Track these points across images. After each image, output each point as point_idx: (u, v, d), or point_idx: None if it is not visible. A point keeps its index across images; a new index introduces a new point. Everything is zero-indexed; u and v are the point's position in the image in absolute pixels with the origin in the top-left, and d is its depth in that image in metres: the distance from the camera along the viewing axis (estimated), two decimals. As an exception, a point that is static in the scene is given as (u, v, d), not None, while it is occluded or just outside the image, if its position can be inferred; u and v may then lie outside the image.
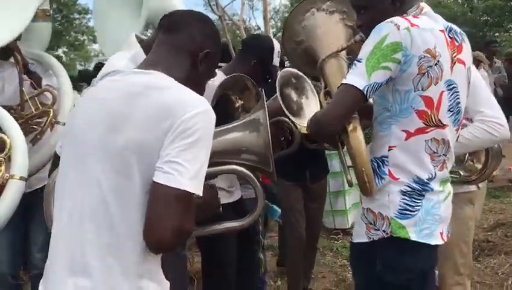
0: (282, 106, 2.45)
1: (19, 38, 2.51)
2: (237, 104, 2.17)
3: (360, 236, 1.71)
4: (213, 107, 1.33)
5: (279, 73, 2.60)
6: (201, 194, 1.23)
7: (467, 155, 2.30)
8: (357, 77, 1.54)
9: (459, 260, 2.43)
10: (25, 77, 2.48)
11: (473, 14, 22.29)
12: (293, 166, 3.01)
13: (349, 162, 1.78)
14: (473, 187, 2.40)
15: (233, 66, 2.56)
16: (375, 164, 1.66)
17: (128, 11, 2.57)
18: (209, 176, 1.61)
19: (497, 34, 19.89)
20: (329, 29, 1.85)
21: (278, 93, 2.47)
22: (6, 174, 1.99)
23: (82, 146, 1.29)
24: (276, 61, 2.55)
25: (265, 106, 1.55)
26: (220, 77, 2.50)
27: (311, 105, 2.71)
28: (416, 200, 1.61)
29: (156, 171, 1.20)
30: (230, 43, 4.77)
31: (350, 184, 1.83)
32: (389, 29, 1.54)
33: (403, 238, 1.61)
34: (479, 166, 2.34)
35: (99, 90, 1.38)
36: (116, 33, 2.48)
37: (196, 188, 1.21)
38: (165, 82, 1.31)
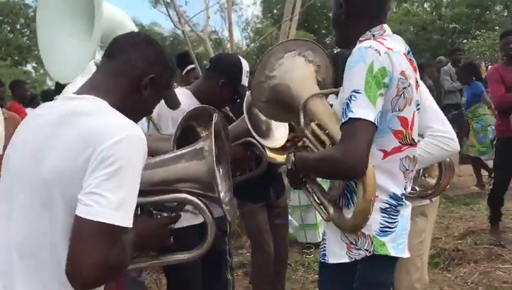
0: (250, 127, 2.42)
1: None
2: (202, 135, 2.12)
3: (339, 257, 1.67)
4: (178, 138, 1.28)
5: (248, 93, 2.56)
6: (129, 226, 1.17)
7: (421, 171, 2.31)
8: (364, 109, 1.49)
9: (413, 275, 2.42)
10: None
11: (441, 21, 22.80)
12: (258, 187, 2.97)
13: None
14: (425, 201, 2.42)
15: (200, 84, 2.52)
16: (353, 184, 1.62)
17: (75, 30, 2.50)
18: (157, 205, 1.57)
19: (465, 40, 20.35)
20: (306, 76, 1.83)
21: (245, 114, 2.43)
22: None
23: (12, 175, 1.27)
24: (244, 81, 2.51)
25: (213, 135, 1.52)
26: (184, 93, 2.45)
27: (281, 126, 2.68)
28: (394, 217, 1.64)
29: (78, 203, 1.14)
30: (193, 54, 4.74)
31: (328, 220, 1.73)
32: (373, 56, 1.52)
33: (383, 255, 1.63)
34: (432, 181, 2.37)
35: (34, 116, 1.34)
36: (64, 53, 2.40)
37: (121, 219, 1.14)
38: (94, 108, 1.26)
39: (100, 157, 1.15)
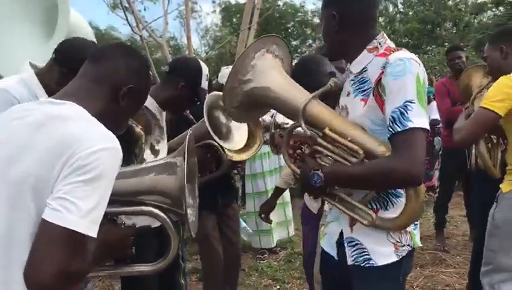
0: (210, 129, 2.45)
1: None
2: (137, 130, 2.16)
3: (388, 257, 1.68)
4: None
5: (208, 96, 2.59)
6: (94, 236, 1.16)
7: None
8: (421, 118, 1.52)
9: None
10: None
11: (395, 36, 23.53)
12: (205, 193, 2.98)
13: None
14: None
15: (160, 88, 2.52)
16: None
17: (28, 28, 2.47)
18: (123, 216, 1.57)
19: (416, 55, 21.06)
20: (281, 73, 1.76)
21: (205, 117, 2.46)
22: None
23: None
24: (204, 84, 2.53)
25: (186, 150, 1.54)
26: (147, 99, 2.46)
27: (241, 128, 2.72)
28: None
29: (46, 207, 1.13)
30: (151, 59, 4.74)
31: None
32: (416, 67, 1.54)
33: (415, 247, 1.73)
34: None
35: (11, 116, 1.29)
36: (14, 50, 2.38)
37: (87, 228, 1.14)
38: (73, 113, 1.25)
39: (76, 165, 1.14)
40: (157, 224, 2.39)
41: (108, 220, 1.43)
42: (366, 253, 1.69)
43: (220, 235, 3.23)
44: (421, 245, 1.81)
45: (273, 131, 2.39)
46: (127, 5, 5.06)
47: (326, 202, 1.95)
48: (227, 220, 3.31)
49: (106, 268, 1.54)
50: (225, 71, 3.44)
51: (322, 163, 1.67)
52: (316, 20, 22.13)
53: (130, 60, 1.43)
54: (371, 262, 1.68)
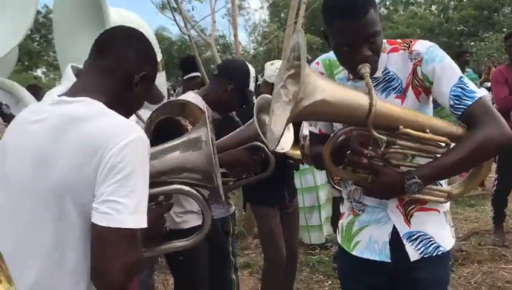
0: (259, 131, 2.48)
1: None
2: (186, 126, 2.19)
3: (451, 239, 1.72)
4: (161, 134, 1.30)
5: (257, 98, 2.64)
6: (145, 226, 1.19)
7: None
8: (477, 88, 1.59)
9: None
10: None
11: (448, 24, 22.71)
12: (272, 189, 3.03)
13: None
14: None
15: (209, 89, 2.57)
16: None
17: (88, 30, 2.58)
18: (154, 197, 1.59)
19: (472, 43, 20.28)
20: (327, 78, 1.67)
21: (254, 118, 2.50)
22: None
23: (11, 184, 1.25)
24: (251, 86, 2.57)
25: (208, 123, 1.55)
26: (194, 97, 2.50)
27: (286, 133, 2.75)
28: None
29: (93, 211, 1.15)
30: (199, 59, 4.80)
31: None
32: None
33: None
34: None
35: (27, 122, 1.29)
36: (78, 54, 2.48)
37: (139, 222, 1.17)
38: (92, 111, 1.24)
39: (109, 165, 1.15)
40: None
41: None
42: (433, 241, 1.66)
43: (283, 229, 3.22)
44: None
45: (302, 142, 2.39)
46: (175, 6, 5.15)
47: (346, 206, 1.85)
48: (290, 215, 3.31)
49: (146, 249, 1.54)
50: (270, 68, 3.43)
51: (402, 167, 1.58)
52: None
53: (137, 46, 1.39)
54: (440, 249, 1.66)
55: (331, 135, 1.60)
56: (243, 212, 4.99)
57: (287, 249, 3.24)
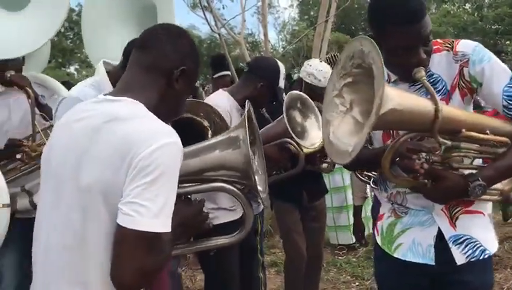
0: (288, 127, 2.49)
1: (23, 61, 2.56)
2: (205, 124, 2.21)
3: (495, 241, 1.70)
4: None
5: (287, 95, 2.64)
6: (168, 231, 1.19)
7: None
8: None
9: None
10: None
11: (483, 22, 22.17)
12: (290, 187, 3.01)
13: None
14: None
15: (239, 86, 2.59)
16: None
17: (124, 31, 2.62)
18: (196, 194, 1.62)
19: (508, 42, 19.74)
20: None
21: (284, 115, 2.51)
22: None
23: (55, 180, 1.28)
24: (281, 83, 2.58)
25: (246, 123, 1.56)
26: (223, 94, 2.55)
27: (314, 128, 2.74)
28: None
29: (118, 212, 1.17)
30: (229, 57, 4.82)
31: None
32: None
33: None
34: None
35: (72, 119, 1.33)
36: (112, 52, 2.52)
37: (161, 226, 1.17)
38: (130, 112, 1.25)
39: (139, 167, 1.16)
40: (237, 217, 2.51)
41: (181, 200, 1.44)
42: (479, 245, 1.63)
43: (305, 230, 3.23)
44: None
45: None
46: (206, 4, 5.18)
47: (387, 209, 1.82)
48: (313, 215, 3.30)
49: (186, 245, 1.58)
50: (306, 66, 3.41)
51: (463, 170, 1.56)
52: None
53: (176, 41, 1.38)
54: (486, 252, 1.64)
55: (391, 143, 1.55)
56: (271, 211, 4.99)
57: (311, 250, 3.23)
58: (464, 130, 1.46)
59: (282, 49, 19.76)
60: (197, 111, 2.19)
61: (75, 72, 22.81)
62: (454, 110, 1.52)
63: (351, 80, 1.47)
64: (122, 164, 1.17)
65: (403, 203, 1.70)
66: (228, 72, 4.62)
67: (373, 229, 1.94)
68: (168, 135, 1.22)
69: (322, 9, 4.90)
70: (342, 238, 4.70)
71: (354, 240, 4.69)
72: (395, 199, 1.73)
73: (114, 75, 2.06)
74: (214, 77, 4.66)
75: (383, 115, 1.32)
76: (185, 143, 1.34)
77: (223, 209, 2.42)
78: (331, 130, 1.50)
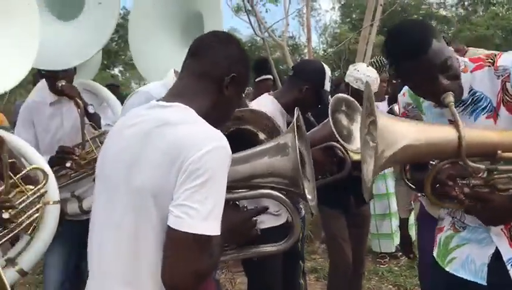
0: (334, 131, 2.46)
1: (74, 70, 2.64)
2: (261, 137, 2.19)
3: None
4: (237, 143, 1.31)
5: (332, 98, 2.61)
6: (218, 234, 1.21)
7: None
8: None
9: None
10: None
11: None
12: (337, 192, 2.97)
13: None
14: None
15: (284, 90, 2.58)
16: None
17: (169, 38, 2.66)
18: (244, 200, 1.64)
19: None
20: (403, 120, 1.67)
21: (329, 118, 2.48)
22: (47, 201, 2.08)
23: (109, 183, 1.32)
24: (327, 86, 2.55)
25: (295, 130, 1.56)
26: (267, 98, 2.55)
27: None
28: None
29: (169, 214, 1.19)
30: (271, 61, 4.81)
31: None
32: None
33: None
34: None
35: (125, 126, 1.37)
36: (157, 59, 2.57)
37: (210, 229, 1.19)
38: (180, 117, 1.28)
39: (189, 170, 1.18)
40: (281, 221, 2.50)
41: (229, 206, 1.45)
42: None
43: (349, 236, 3.18)
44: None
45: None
46: (250, 8, 5.20)
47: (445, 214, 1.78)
48: (358, 221, 3.26)
49: (233, 252, 1.59)
50: (351, 70, 3.36)
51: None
52: (442, 12, 20.83)
53: (227, 48, 1.41)
54: None
55: (430, 168, 1.54)
56: (311, 217, 4.95)
57: (354, 257, 3.18)
58: (499, 151, 1.42)
59: (323, 52, 19.63)
60: (259, 124, 2.18)
61: (119, 74, 23.38)
62: (485, 133, 1.48)
63: (373, 118, 1.50)
64: (173, 167, 1.19)
65: (461, 219, 1.67)
66: (270, 76, 4.62)
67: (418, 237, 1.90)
68: (217, 140, 1.24)
69: (367, 13, 4.83)
70: (384, 246, 4.61)
71: (395, 249, 4.60)
72: (455, 214, 1.69)
73: None
74: (256, 80, 4.67)
75: (394, 154, 1.35)
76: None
77: (268, 213, 2.41)
78: (364, 168, 1.53)
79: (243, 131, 2.13)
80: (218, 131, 1.29)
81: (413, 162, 1.67)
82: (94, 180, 2.51)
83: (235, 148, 1.37)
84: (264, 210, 1.59)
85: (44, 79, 2.66)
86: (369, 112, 1.50)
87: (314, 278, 4.24)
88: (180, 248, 1.17)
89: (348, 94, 2.98)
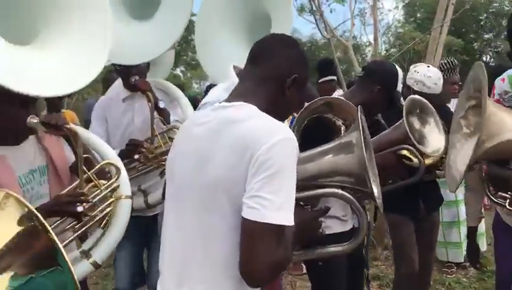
0: (409, 133, 2.39)
1: (147, 68, 2.70)
2: (338, 123, 2.16)
3: None
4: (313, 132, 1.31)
5: (407, 99, 2.55)
6: (292, 224, 1.22)
7: None
8: None
9: None
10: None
11: None
12: (405, 197, 2.87)
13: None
14: None
15: (354, 91, 2.53)
16: None
17: (235, 36, 2.67)
18: (309, 200, 1.62)
19: None
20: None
21: (404, 119, 2.41)
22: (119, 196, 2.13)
23: (178, 183, 1.37)
24: (399, 87, 2.49)
25: (360, 126, 1.52)
26: None
27: (434, 134, 2.60)
28: None
29: (243, 206, 1.21)
30: (337, 61, 4.73)
31: None
32: None
33: None
34: None
35: (192, 126, 1.42)
36: (223, 56, 2.58)
37: (284, 219, 1.20)
38: (244, 113, 1.32)
39: (259, 162, 1.21)
40: (347, 228, 2.44)
41: (296, 205, 1.46)
42: None
43: (418, 243, 3.07)
44: None
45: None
46: (314, 9, 5.14)
47: None
48: (427, 227, 3.15)
49: (300, 252, 1.59)
50: (411, 71, 3.24)
51: None
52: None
53: (288, 51, 1.44)
54: None
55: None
56: (374, 222, 4.83)
57: (421, 265, 3.06)
58: None
59: (385, 52, 19.16)
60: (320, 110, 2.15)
61: (181, 74, 23.95)
62: None
63: (475, 103, 1.39)
64: (242, 161, 1.22)
65: None
66: (334, 77, 4.53)
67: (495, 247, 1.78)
68: (283, 132, 1.27)
69: (438, 13, 4.63)
70: (452, 256, 4.40)
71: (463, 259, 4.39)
72: None
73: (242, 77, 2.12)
74: (320, 81, 4.59)
75: (495, 146, 1.28)
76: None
77: (334, 217, 2.36)
78: (452, 153, 1.44)
79: (322, 118, 2.12)
80: (284, 124, 1.32)
81: (507, 157, 1.56)
82: (160, 174, 2.60)
83: (313, 135, 1.37)
84: (328, 210, 1.58)
85: (119, 76, 2.75)
86: (470, 94, 1.40)
87: (377, 286, 4.13)
88: (256, 239, 1.19)
89: (408, 94, 2.88)
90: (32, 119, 1.94)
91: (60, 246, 1.11)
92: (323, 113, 2.13)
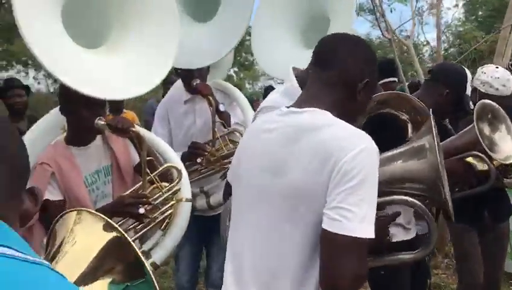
0: (480, 138, 2.30)
1: (208, 70, 2.72)
2: (403, 117, 2.10)
3: None
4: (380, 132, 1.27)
5: (478, 104, 2.46)
6: (373, 237, 1.18)
7: None
8: None
9: None
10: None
11: None
12: (469, 205, 2.74)
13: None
14: None
15: (422, 95, 2.44)
16: None
17: (289, 36, 2.64)
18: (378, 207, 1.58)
19: None
20: None
21: (474, 124, 2.32)
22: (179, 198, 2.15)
23: (250, 190, 1.34)
24: (468, 90, 2.42)
25: (434, 130, 1.44)
26: None
27: (505, 141, 2.48)
28: None
29: (324, 217, 1.18)
30: (399, 62, 4.61)
31: None
32: None
33: None
34: None
35: (261, 131, 1.38)
36: (278, 56, 2.56)
37: (366, 232, 1.17)
38: (320, 121, 1.27)
39: (342, 171, 1.17)
40: (411, 236, 2.36)
41: None
42: None
43: (482, 254, 2.95)
44: None
45: None
46: (372, 8, 5.03)
47: None
48: (494, 238, 3.01)
49: (370, 259, 1.54)
50: (479, 73, 3.10)
51: None
52: None
53: (357, 53, 1.37)
54: None
55: None
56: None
57: (487, 277, 2.92)
58: None
59: (443, 51, 18.54)
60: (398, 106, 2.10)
61: (234, 75, 24.20)
62: None
63: None
64: (324, 170, 1.19)
65: None
66: (395, 79, 4.41)
67: None
68: (366, 139, 1.23)
69: (509, 11, 4.40)
70: (520, 268, 4.17)
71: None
72: None
73: (302, 79, 2.07)
74: (380, 83, 4.48)
75: None
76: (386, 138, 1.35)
77: (399, 226, 2.28)
78: None
79: (384, 115, 2.08)
80: (362, 131, 1.27)
81: None
82: (221, 177, 2.61)
83: (378, 132, 1.34)
84: (398, 215, 1.55)
85: (180, 78, 2.79)
86: None
87: (437, 295, 3.97)
88: (340, 252, 1.16)
89: (475, 100, 2.75)
90: (100, 121, 1.99)
91: (143, 258, 1.12)
92: (392, 108, 2.10)
